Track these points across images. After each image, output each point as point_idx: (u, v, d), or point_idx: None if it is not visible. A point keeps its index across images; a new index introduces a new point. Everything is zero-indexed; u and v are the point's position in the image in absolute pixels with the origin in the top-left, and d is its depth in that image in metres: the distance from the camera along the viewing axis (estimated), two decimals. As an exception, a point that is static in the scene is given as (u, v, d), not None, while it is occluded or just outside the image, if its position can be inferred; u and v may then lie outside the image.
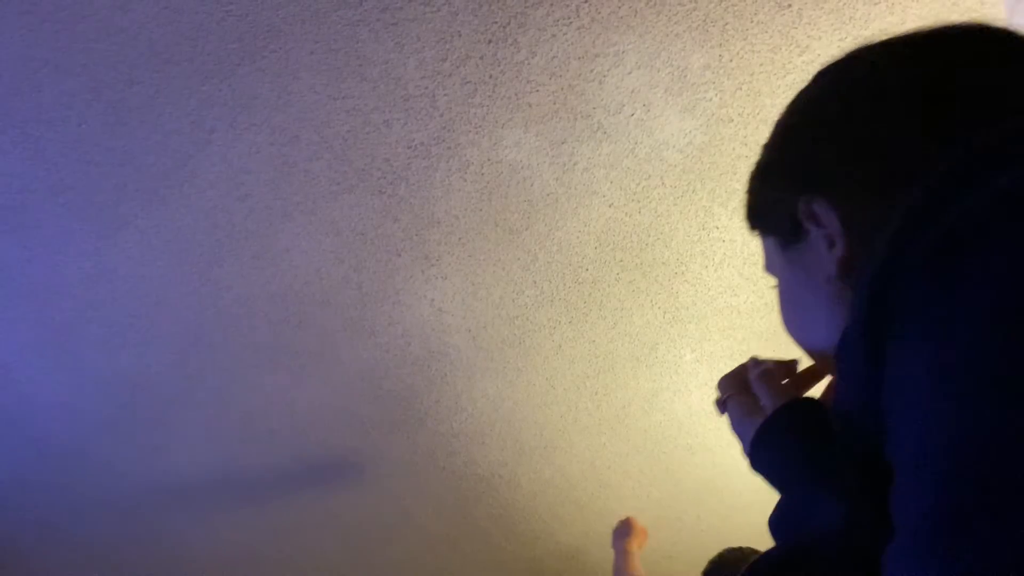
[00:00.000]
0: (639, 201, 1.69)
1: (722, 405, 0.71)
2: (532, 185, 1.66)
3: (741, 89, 1.50)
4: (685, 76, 1.48)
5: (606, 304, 1.91)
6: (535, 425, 2.22)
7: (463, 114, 1.53)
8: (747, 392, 0.69)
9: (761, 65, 1.47)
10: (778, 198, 0.61)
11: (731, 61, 1.46)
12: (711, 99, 1.51)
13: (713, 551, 1.88)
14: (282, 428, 2.24)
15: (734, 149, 1.59)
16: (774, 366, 0.71)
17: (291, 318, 1.92)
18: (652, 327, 1.97)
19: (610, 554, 2.29)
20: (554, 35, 1.42)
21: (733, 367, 0.73)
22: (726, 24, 1.41)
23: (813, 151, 0.58)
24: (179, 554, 2.72)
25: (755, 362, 0.71)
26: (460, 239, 1.76)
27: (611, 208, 1.70)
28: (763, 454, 0.64)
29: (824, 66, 0.63)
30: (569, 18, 1.40)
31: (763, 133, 1.69)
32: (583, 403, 2.15)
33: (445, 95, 1.50)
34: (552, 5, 1.38)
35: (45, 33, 1.37)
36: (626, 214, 1.71)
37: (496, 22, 1.40)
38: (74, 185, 1.61)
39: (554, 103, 1.51)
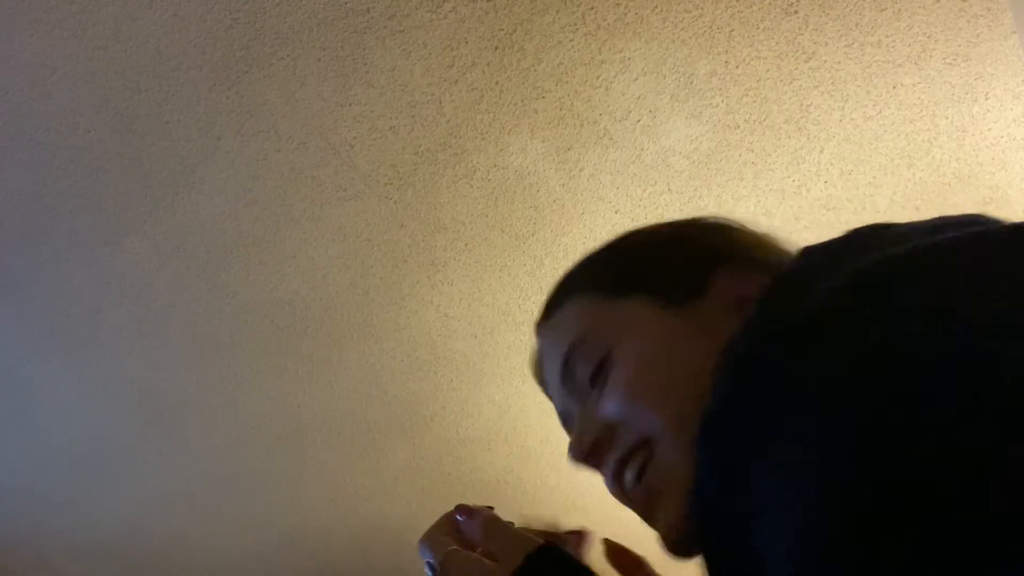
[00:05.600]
0: (645, 207, 1.69)
1: (437, 567, 0.56)
2: (538, 191, 1.66)
3: (747, 95, 1.50)
4: (691, 82, 1.48)
5: (612, 310, 1.91)
6: (541, 431, 2.21)
7: (469, 120, 1.53)
8: (469, 547, 0.56)
9: (767, 71, 1.46)
10: (689, 258, 0.61)
11: (737, 67, 1.46)
12: (717, 105, 1.51)
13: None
14: (288, 434, 2.24)
15: (741, 155, 1.59)
16: (493, 512, 0.60)
17: (297, 324, 1.93)
18: (658, 333, 1.97)
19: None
20: (560, 41, 1.42)
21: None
22: (732, 31, 1.41)
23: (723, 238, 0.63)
24: (185, 559, 2.72)
25: (467, 509, 0.60)
26: (466, 245, 1.76)
27: (617, 214, 1.70)
28: None
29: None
30: (575, 24, 1.40)
31: (770, 139, 1.70)
32: (589, 409, 2.14)
33: (451, 101, 1.50)
34: (558, 12, 1.38)
35: (54, 40, 1.38)
36: (632, 220, 1.71)
37: (502, 29, 1.40)
38: (82, 191, 1.62)
39: (560, 109, 1.52)
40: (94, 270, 1.78)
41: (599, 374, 0.58)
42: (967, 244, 0.40)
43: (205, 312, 1.89)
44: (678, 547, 0.55)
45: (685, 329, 0.56)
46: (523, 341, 1.98)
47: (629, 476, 0.56)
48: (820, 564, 0.33)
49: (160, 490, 2.43)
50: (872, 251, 0.42)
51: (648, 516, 0.57)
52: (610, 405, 0.57)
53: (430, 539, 0.58)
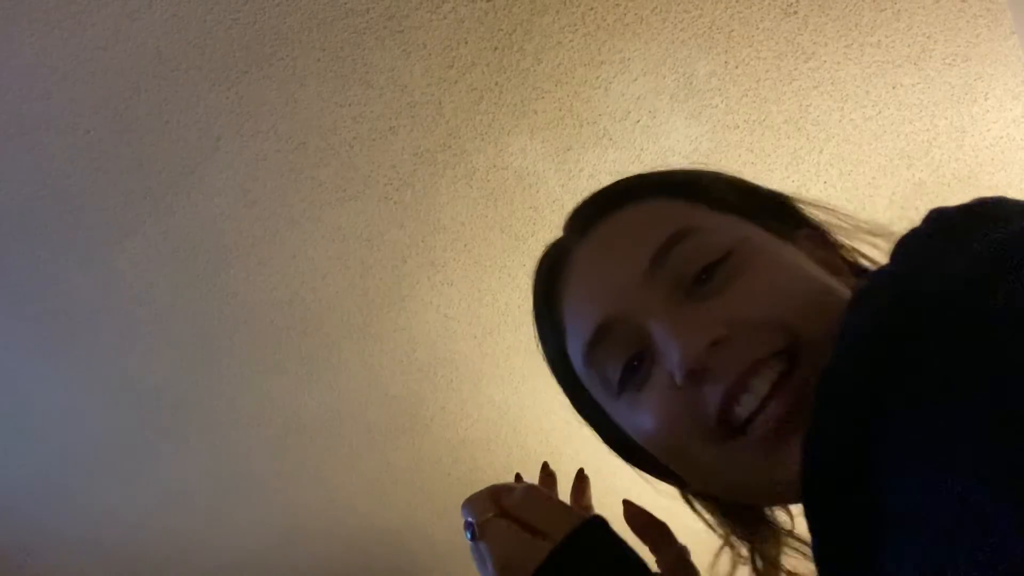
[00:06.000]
0: (645, 207, 1.69)
1: (477, 530, 0.55)
2: (538, 192, 1.66)
3: (747, 96, 1.50)
4: (691, 83, 1.48)
5: (612, 310, 1.91)
6: (541, 431, 2.21)
7: (469, 121, 1.53)
8: (508, 516, 0.55)
9: (767, 72, 1.46)
10: (787, 201, 0.60)
11: (737, 68, 1.46)
12: (717, 106, 1.51)
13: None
14: (287, 434, 2.24)
15: (740, 156, 1.59)
16: (535, 486, 0.58)
17: (297, 324, 1.93)
18: (658, 333, 1.97)
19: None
20: (559, 42, 1.42)
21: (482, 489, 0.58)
22: (732, 31, 1.41)
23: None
24: (185, 559, 2.72)
25: (507, 487, 0.58)
26: (466, 245, 1.76)
27: (617, 214, 1.70)
28: None
29: None
30: (575, 25, 1.40)
31: (769, 139, 1.70)
32: (589, 409, 2.14)
33: (451, 102, 1.50)
34: (558, 12, 1.38)
35: (54, 40, 1.38)
36: (632, 220, 1.71)
37: (502, 29, 1.40)
38: (81, 192, 1.62)
39: (560, 110, 1.52)
40: (94, 270, 1.78)
41: (718, 266, 0.50)
42: None
43: (205, 312, 1.89)
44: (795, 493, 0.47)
45: (792, 253, 0.52)
46: (523, 341, 1.98)
47: (758, 388, 0.47)
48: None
49: (160, 490, 2.43)
50: (1015, 215, 0.41)
51: (776, 447, 0.47)
52: (750, 299, 0.48)
53: (473, 502, 0.56)
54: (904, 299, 0.38)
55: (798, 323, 0.47)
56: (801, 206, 0.59)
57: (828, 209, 0.58)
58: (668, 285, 0.51)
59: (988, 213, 0.42)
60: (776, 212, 0.57)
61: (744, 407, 0.47)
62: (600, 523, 0.53)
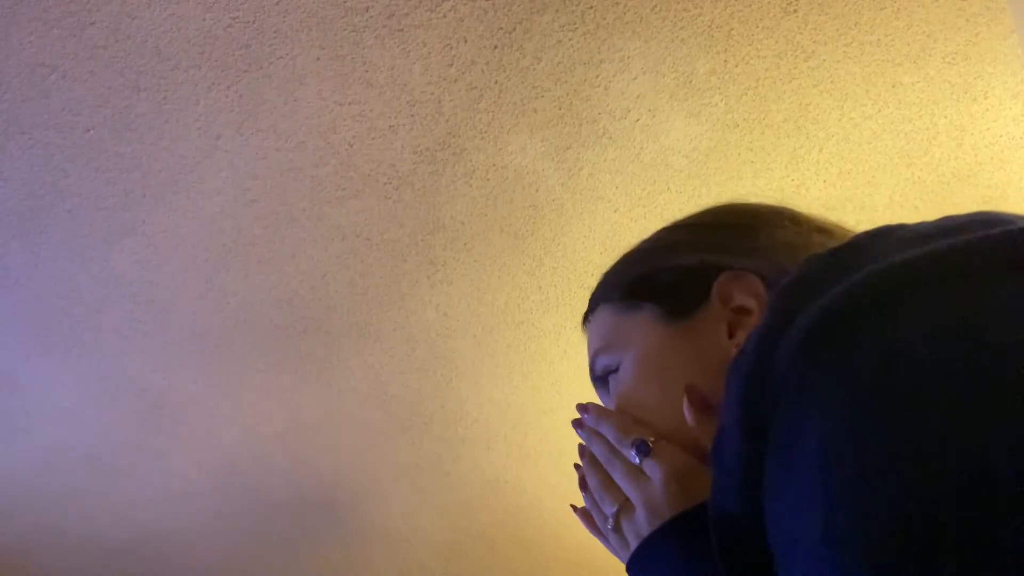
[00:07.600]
0: (644, 206, 1.69)
1: (650, 445, 0.62)
2: (537, 191, 1.66)
3: (747, 94, 1.50)
4: (691, 81, 1.48)
5: (612, 309, 1.91)
6: (540, 430, 2.21)
7: (468, 120, 1.53)
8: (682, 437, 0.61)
9: (767, 70, 1.46)
10: (691, 268, 0.64)
11: (736, 66, 1.46)
12: (717, 104, 1.51)
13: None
14: (287, 433, 2.24)
15: (740, 154, 1.59)
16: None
17: (296, 323, 1.93)
18: (658, 332, 1.97)
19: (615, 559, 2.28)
20: (559, 41, 1.42)
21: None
22: (731, 29, 1.41)
23: (743, 236, 0.65)
24: (183, 559, 2.72)
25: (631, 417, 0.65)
26: (465, 244, 1.76)
27: (616, 213, 1.70)
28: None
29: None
30: (574, 24, 1.40)
31: (769, 138, 1.70)
32: (589, 408, 2.14)
33: (451, 101, 1.50)
34: (557, 11, 1.38)
35: (53, 39, 1.38)
36: (631, 219, 1.71)
37: (502, 28, 1.40)
38: (81, 191, 1.62)
39: (559, 108, 1.52)
40: (94, 270, 1.78)
41: (612, 376, 0.68)
42: (975, 251, 0.39)
43: (205, 312, 1.89)
44: None
45: (679, 347, 0.63)
46: (522, 340, 1.98)
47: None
48: None
49: (160, 490, 2.43)
50: (873, 260, 0.42)
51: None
52: (615, 405, 0.67)
53: (633, 427, 0.64)
54: (756, 375, 0.42)
55: (653, 421, 0.63)
56: (726, 259, 0.63)
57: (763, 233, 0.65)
58: (598, 381, 0.72)
59: (848, 261, 0.44)
60: (684, 284, 0.64)
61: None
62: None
